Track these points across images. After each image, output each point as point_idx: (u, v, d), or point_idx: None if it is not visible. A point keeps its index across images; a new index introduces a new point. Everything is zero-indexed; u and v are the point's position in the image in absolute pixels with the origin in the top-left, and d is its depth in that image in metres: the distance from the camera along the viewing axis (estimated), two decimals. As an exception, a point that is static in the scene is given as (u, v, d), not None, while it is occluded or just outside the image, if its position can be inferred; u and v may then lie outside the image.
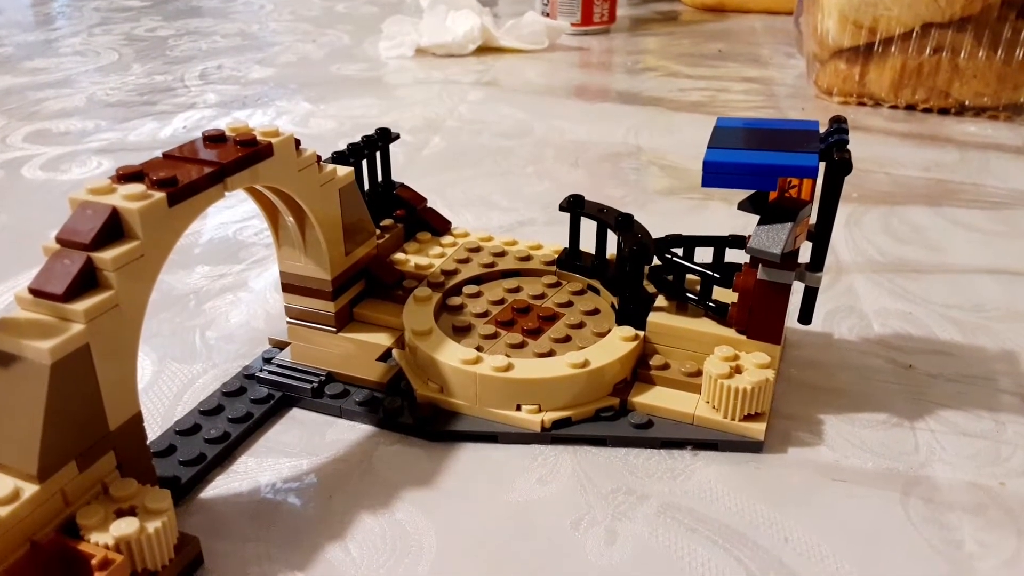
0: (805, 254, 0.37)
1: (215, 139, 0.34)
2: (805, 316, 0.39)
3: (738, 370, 0.37)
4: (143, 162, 0.32)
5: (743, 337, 0.38)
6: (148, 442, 0.31)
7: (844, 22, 0.86)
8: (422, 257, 0.47)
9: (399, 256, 0.47)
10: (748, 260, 0.37)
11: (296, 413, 0.40)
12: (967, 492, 0.35)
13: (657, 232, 0.42)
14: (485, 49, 1.16)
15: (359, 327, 0.43)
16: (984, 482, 0.35)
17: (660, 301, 0.41)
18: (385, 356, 0.42)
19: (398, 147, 0.77)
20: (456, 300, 0.44)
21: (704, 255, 0.42)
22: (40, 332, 0.26)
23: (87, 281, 0.27)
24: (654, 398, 0.38)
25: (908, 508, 0.34)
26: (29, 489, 0.26)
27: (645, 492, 0.35)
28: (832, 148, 0.35)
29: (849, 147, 0.35)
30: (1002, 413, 0.40)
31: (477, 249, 0.48)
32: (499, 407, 0.38)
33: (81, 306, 0.27)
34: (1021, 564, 0.31)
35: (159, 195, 0.29)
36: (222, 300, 0.50)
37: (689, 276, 0.41)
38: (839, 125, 0.37)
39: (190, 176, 0.30)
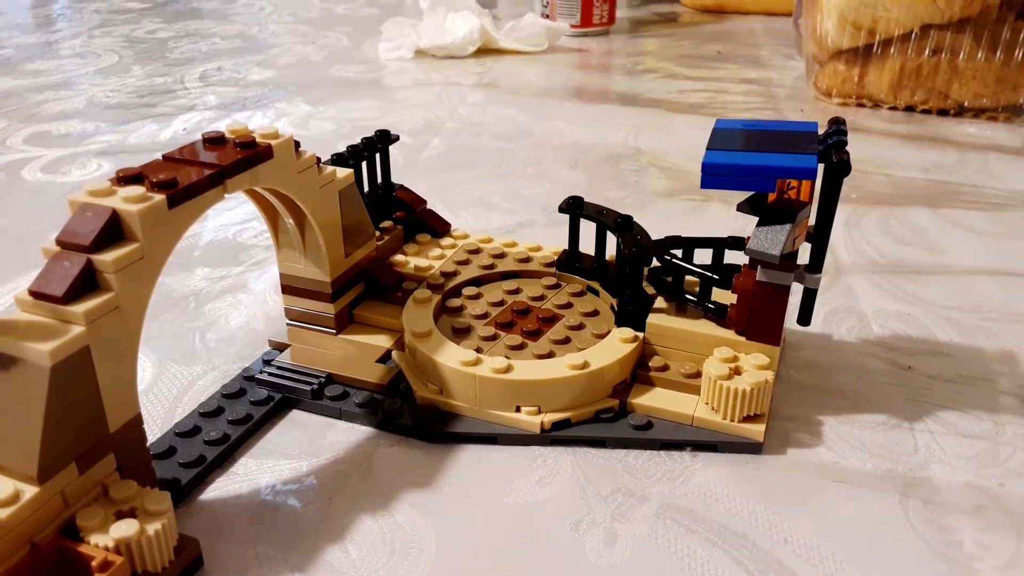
0: (804, 255, 0.37)
1: (215, 141, 0.34)
2: (804, 317, 0.39)
3: (737, 371, 0.37)
4: (143, 164, 0.32)
5: (742, 338, 0.38)
6: (148, 444, 0.31)
7: (843, 23, 0.87)
8: (422, 259, 0.47)
9: (399, 258, 0.47)
10: (747, 261, 0.37)
11: (296, 415, 0.40)
12: (966, 493, 0.35)
13: (656, 234, 0.42)
14: (485, 51, 1.16)
15: (359, 329, 0.43)
16: (983, 483, 0.35)
17: (659, 302, 0.41)
18: (385, 358, 0.42)
19: (398, 149, 0.77)
20: (456, 302, 0.44)
21: (703, 256, 0.42)
22: (40, 334, 0.26)
23: (87, 283, 0.28)
24: (653, 399, 0.38)
25: (907, 509, 0.34)
26: (29, 491, 0.26)
27: (645, 493, 0.35)
28: (831, 149, 0.35)
29: (848, 148, 0.35)
30: (1001, 414, 0.40)
31: (476, 251, 0.48)
32: (499, 409, 0.38)
33: (81, 308, 0.27)
34: (1021, 565, 0.31)
35: (159, 197, 0.29)
36: (222, 302, 0.50)
37: (688, 277, 0.41)
38: (838, 127, 0.38)
39: (190, 178, 0.30)
